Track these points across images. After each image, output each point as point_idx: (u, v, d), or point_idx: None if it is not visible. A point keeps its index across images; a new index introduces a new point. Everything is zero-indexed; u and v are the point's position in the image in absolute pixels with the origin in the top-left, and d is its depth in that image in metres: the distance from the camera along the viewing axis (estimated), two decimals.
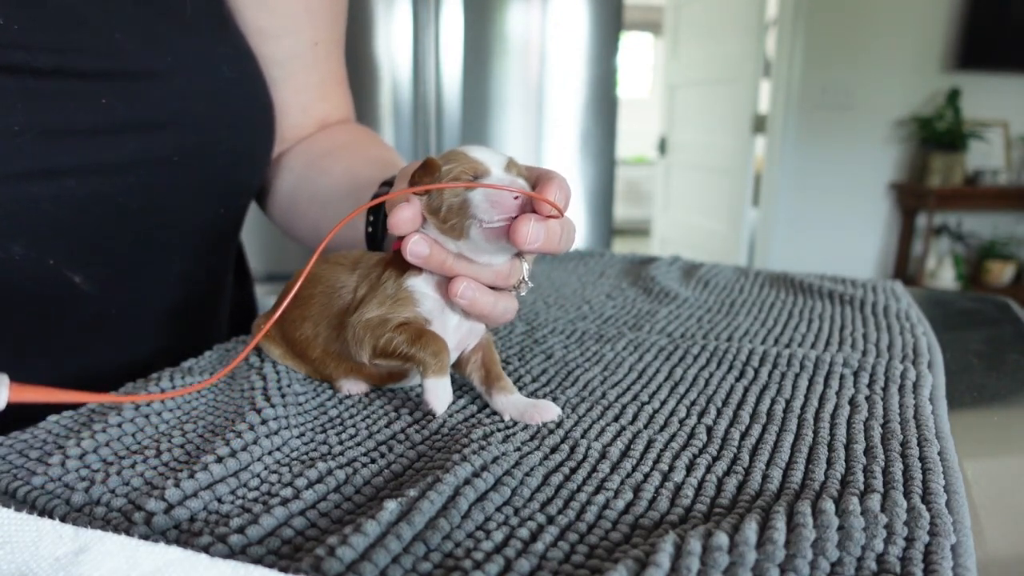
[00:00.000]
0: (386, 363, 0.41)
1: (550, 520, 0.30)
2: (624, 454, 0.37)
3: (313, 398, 0.44)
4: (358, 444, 0.38)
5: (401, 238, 0.40)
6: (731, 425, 0.41)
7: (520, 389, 0.45)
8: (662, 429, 0.40)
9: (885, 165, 3.23)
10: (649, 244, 4.49)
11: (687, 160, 3.81)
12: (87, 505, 0.32)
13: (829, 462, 0.36)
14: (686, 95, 3.74)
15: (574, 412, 0.42)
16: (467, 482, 0.32)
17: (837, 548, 0.27)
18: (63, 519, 0.30)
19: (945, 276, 3.22)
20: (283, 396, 0.43)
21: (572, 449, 0.37)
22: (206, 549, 0.28)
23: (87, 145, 0.47)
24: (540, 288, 0.74)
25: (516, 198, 0.38)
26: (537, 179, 0.40)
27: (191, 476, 0.33)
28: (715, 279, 0.78)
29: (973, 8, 3.01)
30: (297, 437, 0.38)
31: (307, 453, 0.37)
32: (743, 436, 0.39)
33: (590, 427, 0.40)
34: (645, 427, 0.40)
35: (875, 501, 0.30)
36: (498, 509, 0.31)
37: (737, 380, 0.48)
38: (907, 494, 0.32)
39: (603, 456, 0.36)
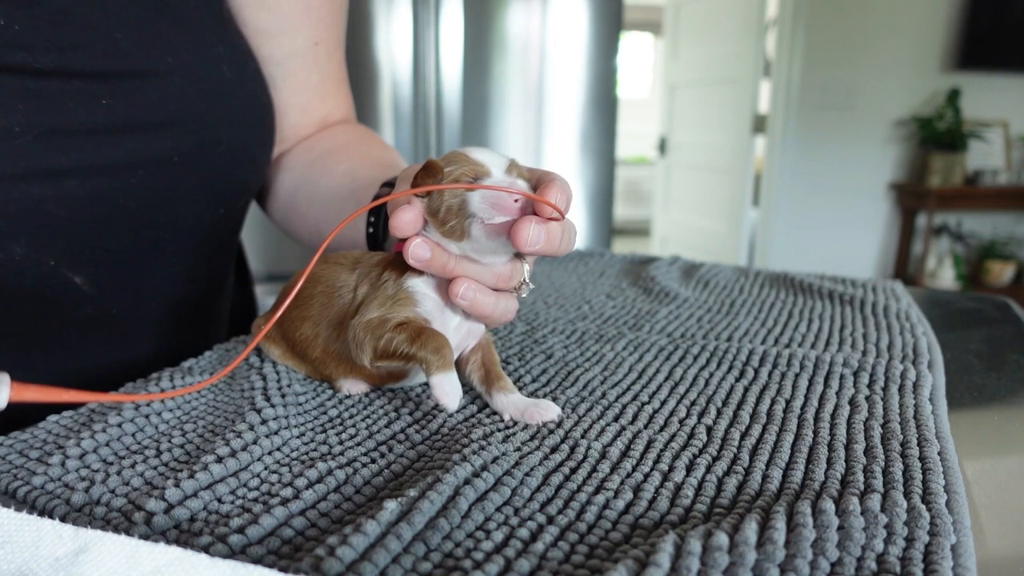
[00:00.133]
0: (388, 364, 0.41)
1: (550, 520, 0.30)
2: (624, 454, 0.37)
3: (313, 398, 0.44)
4: (358, 444, 0.38)
5: (403, 240, 0.40)
6: (731, 425, 0.41)
7: (520, 389, 0.45)
8: (662, 429, 0.40)
9: (885, 165, 3.23)
10: (649, 244, 4.49)
11: (687, 160, 3.81)
12: (87, 505, 0.32)
13: (829, 462, 0.36)
14: (686, 95, 3.74)
15: (574, 412, 0.42)
16: (467, 482, 0.32)
17: (837, 548, 0.27)
18: (63, 519, 0.30)
19: (945, 276, 3.22)
20: (283, 396, 0.43)
21: (572, 449, 0.37)
22: (206, 549, 0.28)
23: (87, 145, 0.47)
24: (540, 288, 0.74)
25: (516, 200, 0.38)
26: (538, 181, 0.40)
27: (191, 476, 0.33)
28: (715, 279, 0.78)
29: (973, 8, 3.01)
30: (297, 437, 0.38)
31: (307, 453, 0.37)
32: (743, 436, 0.39)
33: (590, 427, 0.40)
34: (645, 427, 0.40)
35: (875, 501, 0.30)
36: (498, 509, 0.31)
37: (737, 380, 0.48)
38: (907, 494, 0.32)
39: (603, 456, 0.36)
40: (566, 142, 1.80)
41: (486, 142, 1.72)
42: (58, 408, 0.41)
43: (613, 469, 0.35)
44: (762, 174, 3.31)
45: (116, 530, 0.29)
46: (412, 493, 0.30)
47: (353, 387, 0.45)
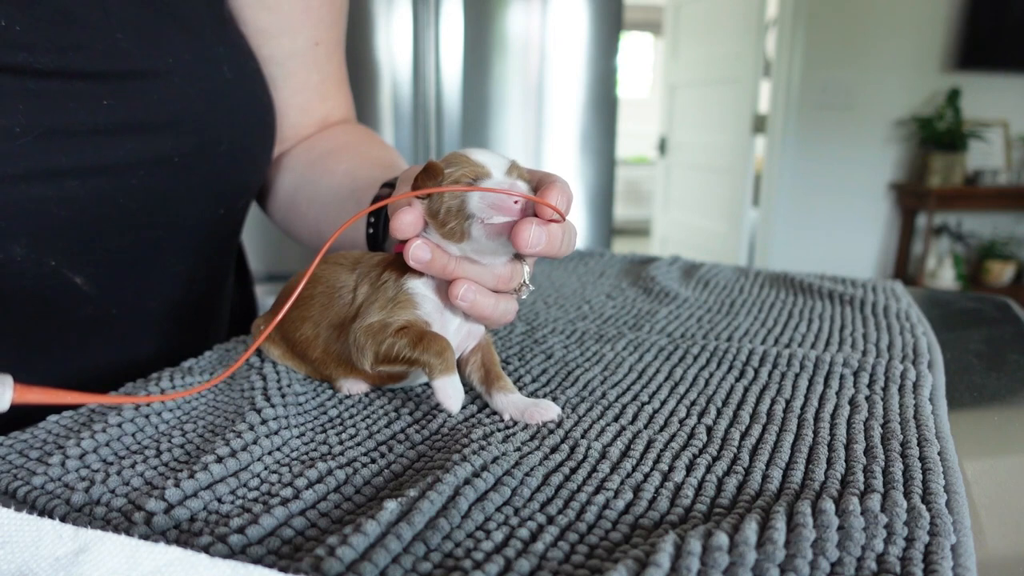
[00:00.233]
0: (389, 369, 0.41)
1: (550, 520, 0.30)
2: (624, 454, 0.37)
3: (313, 398, 0.44)
4: (358, 444, 0.38)
5: (403, 241, 0.40)
6: (731, 425, 0.41)
7: (520, 389, 0.45)
8: (662, 429, 0.40)
9: (885, 165, 3.23)
10: (649, 244, 4.49)
11: (687, 160, 3.81)
12: (87, 505, 0.32)
13: (829, 462, 0.36)
14: (686, 95, 3.74)
15: (574, 412, 0.42)
16: (467, 482, 0.32)
17: (837, 548, 0.27)
18: (63, 519, 0.30)
19: (945, 276, 3.22)
20: (283, 396, 0.43)
21: (572, 449, 0.37)
22: (206, 549, 0.28)
23: (88, 146, 0.47)
24: (540, 288, 0.74)
25: (516, 202, 0.38)
26: (539, 183, 0.40)
27: (191, 476, 0.33)
28: (715, 279, 0.78)
29: (973, 8, 3.01)
30: (297, 437, 0.38)
31: (307, 453, 0.37)
32: (743, 436, 0.39)
33: (590, 427, 0.40)
34: (645, 427, 0.40)
35: (875, 501, 0.30)
36: (498, 509, 0.31)
37: (737, 380, 0.48)
38: (907, 494, 0.32)
39: (603, 456, 0.36)
40: (566, 142, 1.80)
41: (486, 142, 1.72)
42: (58, 408, 0.41)
43: (613, 469, 0.35)
44: (762, 174, 3.31)
45: (116, 530, 0.29)
46: (412, 493, 0.30)
47: (353, 387, 0.45)
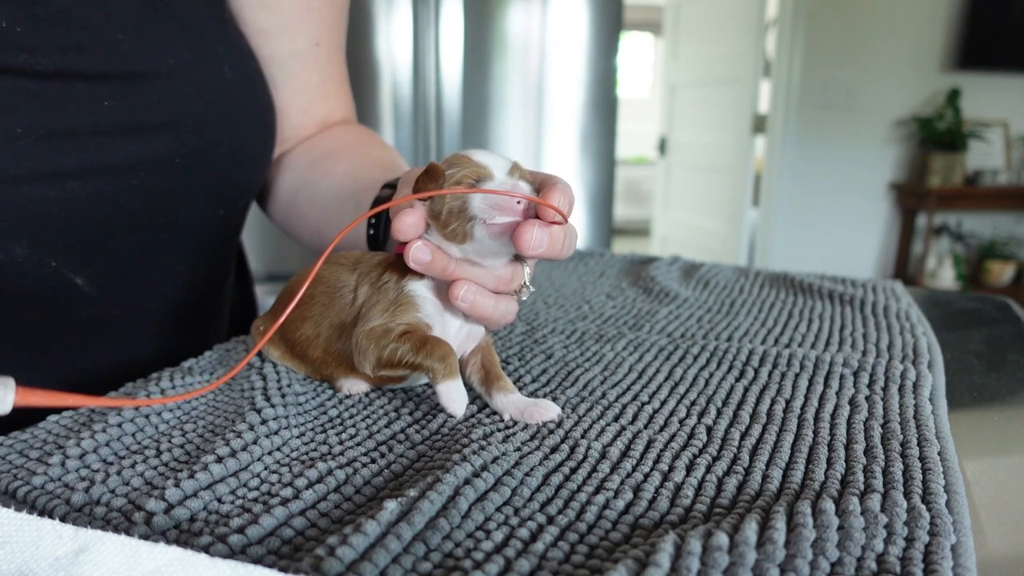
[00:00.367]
0: (391, 373, 0.41)
1: (550, 520, 0.30)
2: (624, 454, 0.37)
3: (313, 398, 0.44)
4: (358, 444, 0.38)
5: (404, 243, 0.40)
6: (731, 425, 0.41)
7: (520, 389, 0.45)
8: (662, 429, 0.40)
9: (885, 165, 3.23)
10: (649, 244, 4.49)
11: (687, 160, 3.81)
12: (87, 505, 0.32)
13: (829, 462, 0.36)
14: (686, 95, 3.74)
15: (574, 412, 0.42)
16: (467, 482, 0.32)
17: (837, 548, 0.27)
18: (63, 519, 0.30)
19: (945, 276, 3.22)
20: (283, 396, 0.43)
21: (572, 449, 0.37)
22: (206, 549, 0.28)
23: (89, 147, 0.47)
24: (540, 288, 0.74)
25: (519, 203, 0.38)
26: (541, 184, 0.40)
27: (191, 476, 0.33)
28: (715, 279, 0.78)
29: (973, 8, 3.01)
30: (297, 437, 0.38)
31: (307, 453, 0.37)
32: (743, 436, 0.39)
33: (590, 427, 0.40)
34: (645, 427, 0.40)
35: (875, 501, 0.30)
36: (498, 509, 0.31)
37: (737, 380, 0.48)
38: (907, 494, 0.32)
39: (603, 456, 0.36)
40: (566, 142, 1.80)
41: (486, 142, 1.72)
42: (58, 408, 0.41)
43: (613, 469, 0.35)
44: (762, 174, 3.31)
45: (116, 530, 0.29)
46: (412, 493, 0.30)
47: (353, 387, 0.45)
